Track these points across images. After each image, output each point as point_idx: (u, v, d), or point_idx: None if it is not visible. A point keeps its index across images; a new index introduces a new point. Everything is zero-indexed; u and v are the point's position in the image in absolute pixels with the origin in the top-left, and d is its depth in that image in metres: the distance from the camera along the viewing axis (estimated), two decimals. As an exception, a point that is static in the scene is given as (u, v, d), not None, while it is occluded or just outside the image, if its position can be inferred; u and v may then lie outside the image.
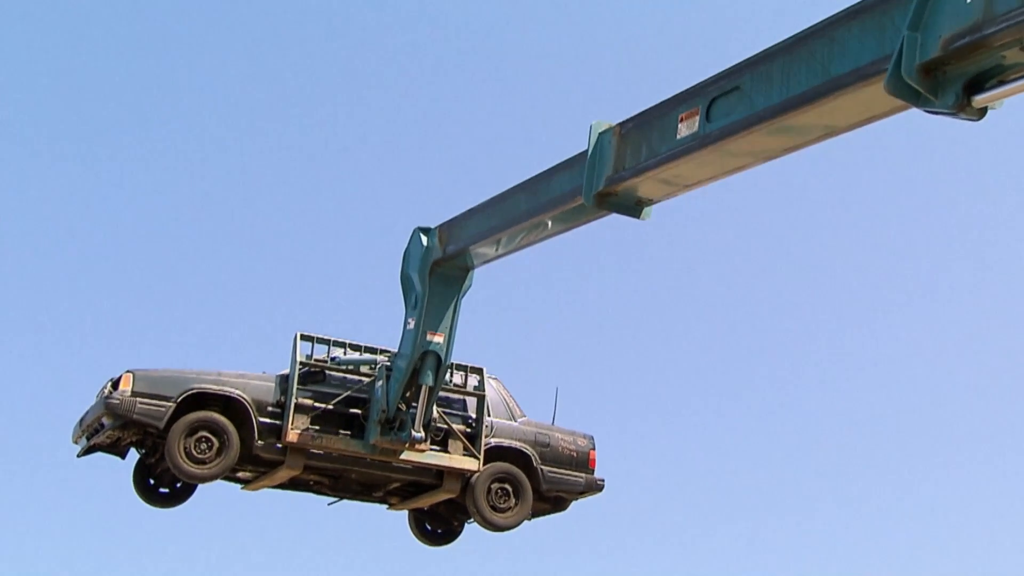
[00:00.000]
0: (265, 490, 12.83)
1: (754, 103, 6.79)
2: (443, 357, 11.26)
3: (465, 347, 11.77)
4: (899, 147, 28.71)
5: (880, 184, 30.27)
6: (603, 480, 13.04)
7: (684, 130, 7.41)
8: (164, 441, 11.31)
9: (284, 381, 11.75)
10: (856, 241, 30.59)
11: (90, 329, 27.52)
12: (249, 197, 30.28)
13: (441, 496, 12.52)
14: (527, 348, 27.50)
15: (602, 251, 31.40)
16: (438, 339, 11.20)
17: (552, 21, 32.40)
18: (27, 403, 26.11)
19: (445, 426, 11.99)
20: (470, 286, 11.35)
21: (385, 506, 13.35)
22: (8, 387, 26.03)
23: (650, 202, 8.43)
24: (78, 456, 12.29)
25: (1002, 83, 5.46)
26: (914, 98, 5.66)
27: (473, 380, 12.46)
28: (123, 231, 29.17)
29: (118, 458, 12.28)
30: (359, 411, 11.81)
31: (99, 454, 12.20)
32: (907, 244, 30.27)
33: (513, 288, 29.72)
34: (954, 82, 5.55)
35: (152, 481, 12.43)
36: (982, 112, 5.64)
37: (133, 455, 12.31)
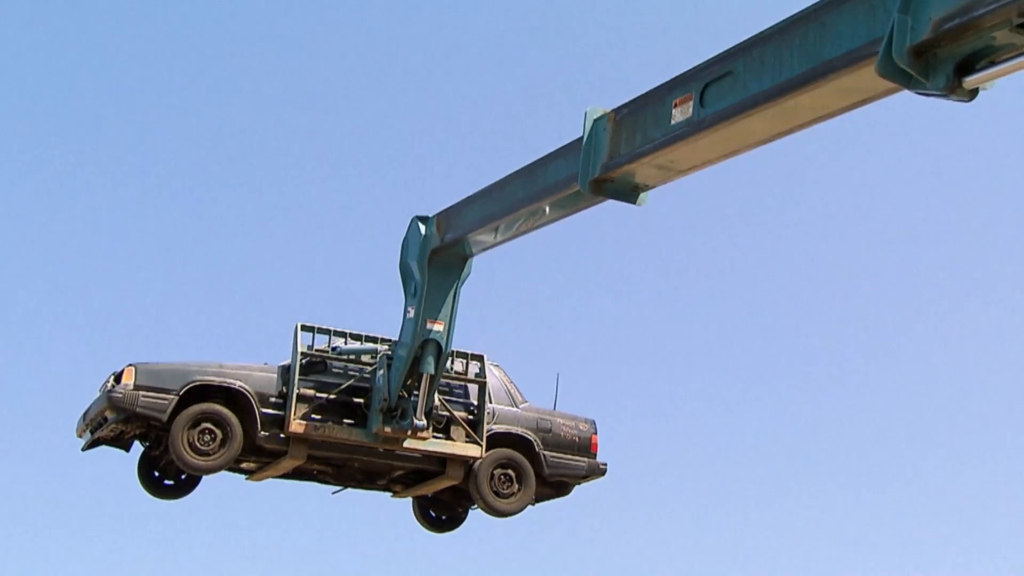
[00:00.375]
0: (269, 480, 12.89)
1: (747, 88, 6.82)
2: (443, 345, 11.30)
3: (465, 334, 11.84)
4: (891, 129, 28.70)
5: (873, 166, 30.27)
6: (605, 464, 13.09)
7: (678, 115, 7.43)
8: (168, 434, 11.35)
9: (286, 372, 11.79)
10: (851, 223, 30.62)
11: (91, 323, 27.61)
12: (248, 189, 30.31)
13: (444, 483, 12.57)
14: (527, 334, 27.56)
15: (600, 237, 31.44)
16: (438, 327, 11.24)
17: (546, 8, 32.37)
18: (30, 398, 26.19)
19: (447, 413, 12.04)
20: (469, 274, 11.39)
21: (389, 494, 13.41)
22: (11, 382, 26.12)
23: (646, 188, 8.46)
24: (82, 450, 12.34)
25: (993, 64, 5.48)
26: (905, 80, 5.69)
27: (474, 367, 12.49)
28: (122, 224, 29.21)
29: (122, 451, 12.33)
30: (361, 400, 11.86)
31: (103, 448, 12.26)
32: (901, 227, 30.27)
33: (512, 275, 29.80)
34: (945, 64, 5.58)
35: (157, 473, 12.48)
36: (973, 93, 5.67)
37: (137, 448, 12.36)
